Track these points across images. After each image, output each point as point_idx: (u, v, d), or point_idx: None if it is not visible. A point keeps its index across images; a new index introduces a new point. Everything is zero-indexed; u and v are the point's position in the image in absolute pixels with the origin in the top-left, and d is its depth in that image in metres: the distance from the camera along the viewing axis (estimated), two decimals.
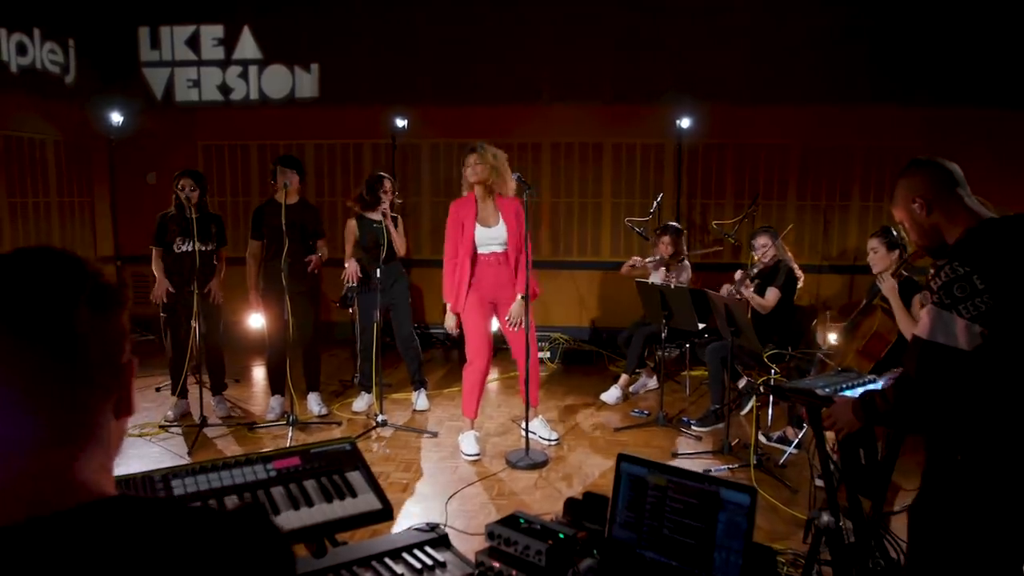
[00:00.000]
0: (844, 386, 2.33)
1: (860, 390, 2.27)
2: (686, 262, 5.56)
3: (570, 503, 1.81)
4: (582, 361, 6.71)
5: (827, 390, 2.28)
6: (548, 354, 6.61)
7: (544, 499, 3.75)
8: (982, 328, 1.68)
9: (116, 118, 7.12)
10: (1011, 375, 1.73)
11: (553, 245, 7.25)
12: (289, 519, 1.58)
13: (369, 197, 4.93)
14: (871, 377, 2.47)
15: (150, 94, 7.37)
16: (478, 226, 4.30)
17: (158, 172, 7.29)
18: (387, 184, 4.94)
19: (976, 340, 1.69)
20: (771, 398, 4.77)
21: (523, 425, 4.30)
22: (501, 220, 4.26)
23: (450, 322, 4.42)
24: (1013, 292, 1.69)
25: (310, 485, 1.68)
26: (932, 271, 1.79)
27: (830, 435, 2.26)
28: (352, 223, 5.08)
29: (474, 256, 4.32)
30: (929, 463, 1.95)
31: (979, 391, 1.74)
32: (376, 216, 4.89)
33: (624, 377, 5.44)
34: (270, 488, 1.65)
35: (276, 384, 4.99)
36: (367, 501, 1.66)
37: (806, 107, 6.74)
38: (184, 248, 4.78)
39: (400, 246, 4.95)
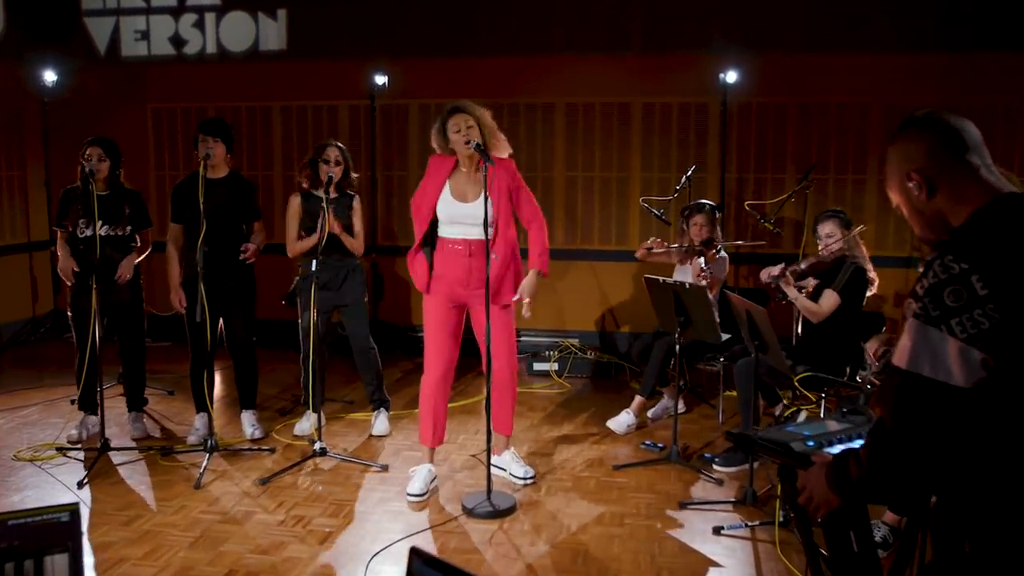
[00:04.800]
0: (838, 438, 1.91)
1: (858, 444, 1.85)
2: (723, 254, 5.15)
3: None
4: (600, 375, 6.36)
5: (810, 444, 1.87)
6: (555, 366, 6.26)
7: (498, 559, 3.43)
8: (984, 354, 1.36)
9: (50, 77, 7.07)
10: None
11: (568, 231, 6.92)
12: None
13: (309, 170, 4.67)
14: None
15: (92, 48, 7.33)
16: (448, 197, 3.96)
17: None
18: (330, 153, 4.65)
19: (976, 372, 1.37)
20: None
21: (487, 459, 3.97)
22: (484, 195, 3.79)
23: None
24: None
25: None
26: (920, 269, 1.47)
27: None
28: (295, 201, 4.82)
29: (434, 239, 4.03)
30: (936, 558, 1.61)
31: (985, 447, 1.42)
32: (323, 194, 4.62)
33: (638, 399, 5.05)
34: None
35: (199, 399, 4.80)
36: None
37: (888, 56, 6.24)
38: (87, 232, 4.62)
39: (349, 242, 4.73)
